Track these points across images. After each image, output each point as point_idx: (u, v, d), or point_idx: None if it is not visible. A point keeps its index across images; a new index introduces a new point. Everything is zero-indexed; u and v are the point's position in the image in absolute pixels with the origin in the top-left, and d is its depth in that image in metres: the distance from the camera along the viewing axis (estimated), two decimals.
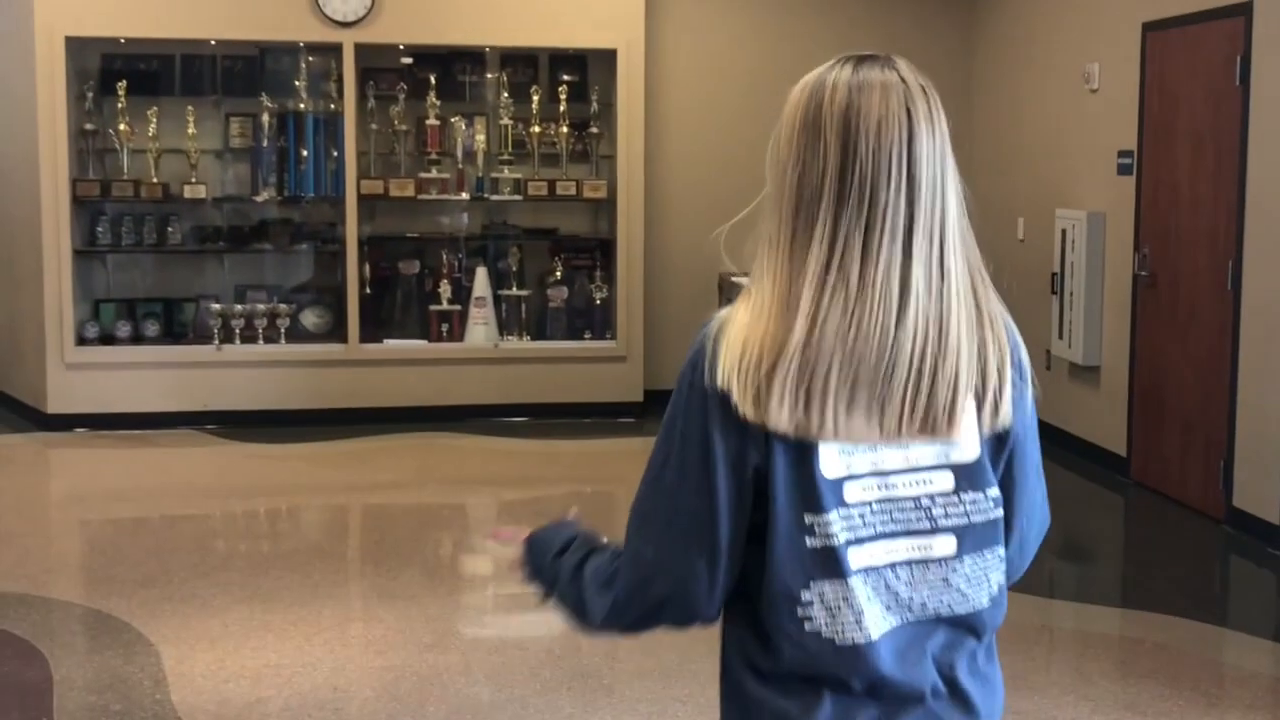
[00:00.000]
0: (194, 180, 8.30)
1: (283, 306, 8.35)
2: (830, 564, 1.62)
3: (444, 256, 8.59)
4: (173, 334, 8.47)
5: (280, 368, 8.27)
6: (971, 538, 1.71)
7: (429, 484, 7.26)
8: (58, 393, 8.09)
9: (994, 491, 1.71)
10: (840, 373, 1.60)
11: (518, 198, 8.50)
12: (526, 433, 8.15)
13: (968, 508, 1.70)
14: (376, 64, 8.49)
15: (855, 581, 1.63)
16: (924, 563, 1.69)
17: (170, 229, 8.37)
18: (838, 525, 1.62)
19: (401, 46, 8.52)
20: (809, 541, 1.62)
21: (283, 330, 8.32)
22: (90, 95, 8.23)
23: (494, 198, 8.50)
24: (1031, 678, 4.52)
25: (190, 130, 8.27)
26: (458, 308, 8.52)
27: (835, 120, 1.77)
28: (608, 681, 4.48)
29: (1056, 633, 5.15)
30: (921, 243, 1.72)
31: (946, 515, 1.69)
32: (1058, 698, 4.36)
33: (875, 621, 1.65)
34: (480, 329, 8.47)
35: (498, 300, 8.56)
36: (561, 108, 8.53)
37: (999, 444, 1.72)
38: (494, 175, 8.50)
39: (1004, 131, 8.65)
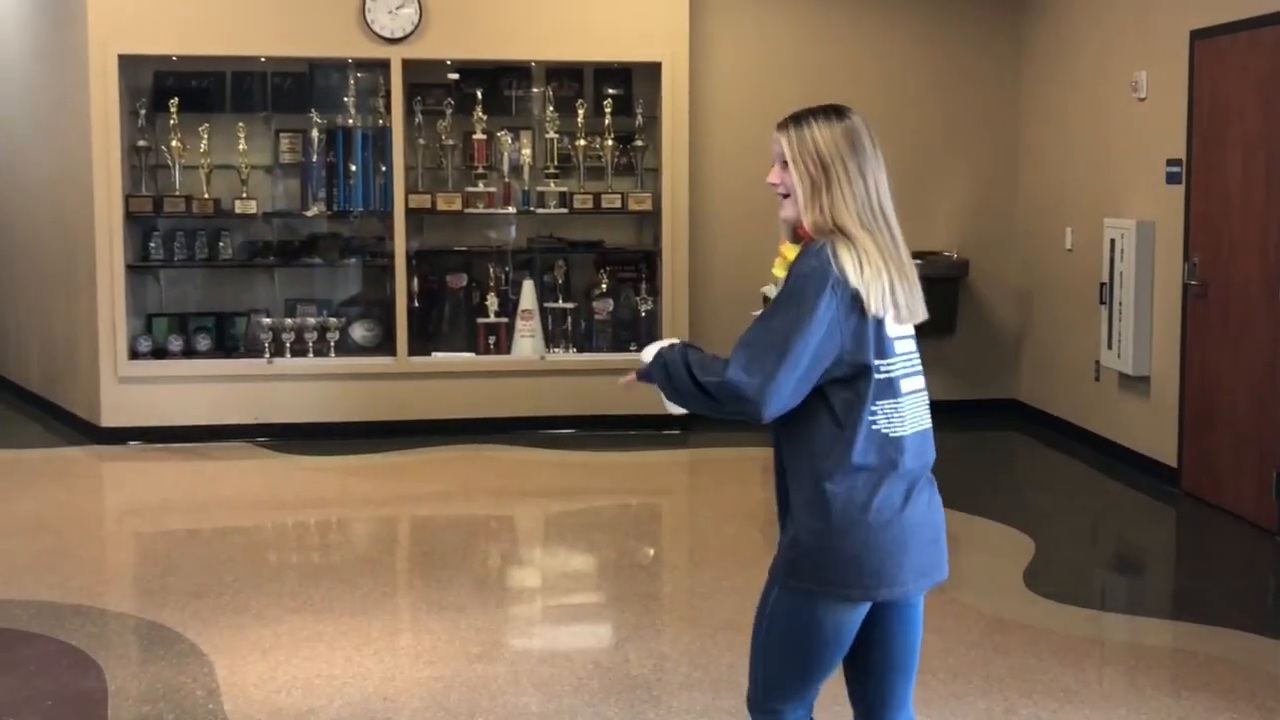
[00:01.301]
0: (245, 195, 8.40)
1: (332, 320, 8.43)
2: (889, 388, 2.78)
3: (491, 270, 8.64)
4: (224, 347, 8.56)
5: (330, 381, 8.34)
6: (924, 379, 2.90)
7: (477, 496, 7.30)
8: (112, 406, 8.19)
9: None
10: (896, 285, 2.77)
11: (563, 211, 8.54)
12: (573, 445, 8.17)
13: (918, 359, 2.89)
14: (424, 79, 8.56)
15: (902, 399, 2.81)
16: (918, 390, 2.87)
17: (222, 244, 8.46)
18: (891, 365, 2.78)
19: (448, 62, 8.59)
20: (881, 374, 2.76)
21: (332, 343, 8.40)
22: (143, 112, 8.34)
23: (540, 211, 8.55)
24: (1083, 691, 4.49)
25: (241, 146, 8.37)
26: (504, 320, 8.56)
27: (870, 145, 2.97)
28: (655, 692, 4.48)
29: (1108, 645, 5.12)
30: (892, 207, 2.86)
31: (917, 363, 2.89)
32: (1109, 711, 4.33)
33: (905, 425, 2.82)
34: (527, 341, 8.51)
35: (544, 313, 8.60)
36: (606, 121, 8.57)
37: None
38: (540, 189, 8.55)
39: (1052, 141, 8.61)
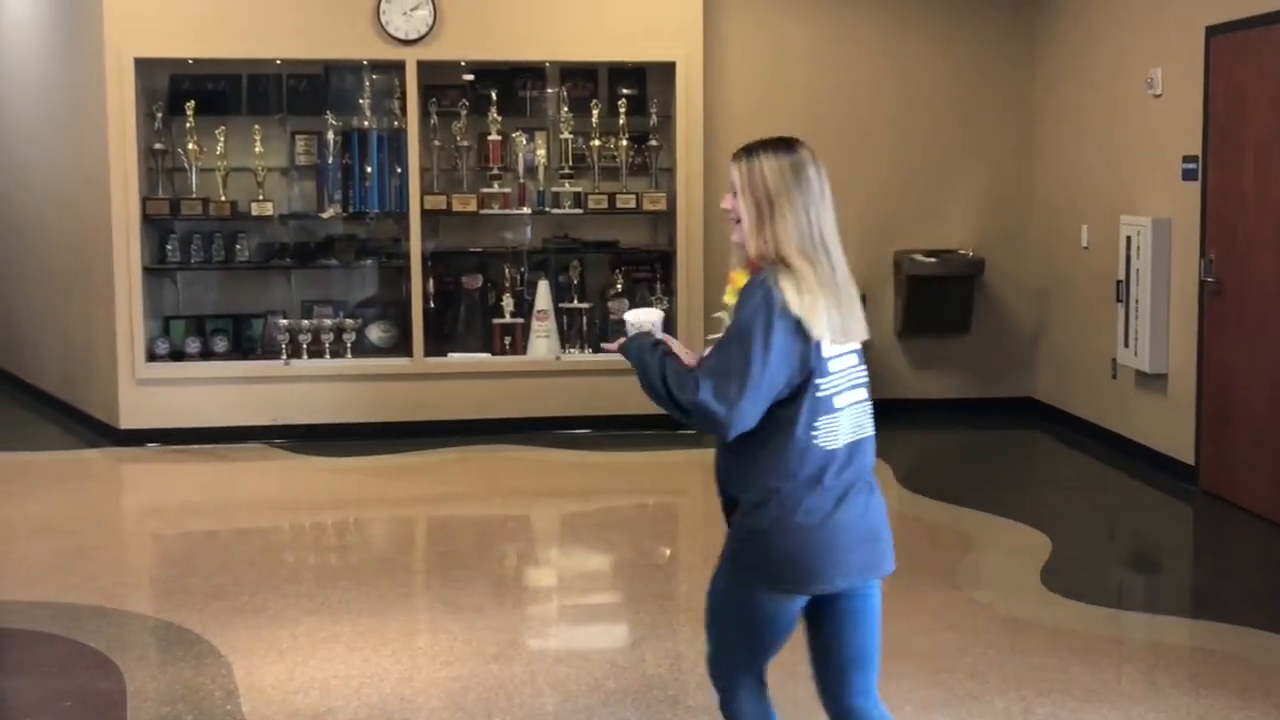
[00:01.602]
0: (261, 198, 8.42)
1: (349, 321, 8.45)
2: (826, 404, 3.00)
3: (506, 270, 8.65)
4: (241, 349, 8.59)
5: (346, 382, 8.37)
6: (866, 390, 3.10)
7: (493, 496, 7.31)
8: (130, 408, 8.23)
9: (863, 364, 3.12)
10: (833, 311, 3.00)
11: (578, 211, 8.55)
12: (588, 445, 8.18)
13: (862, 373, 3.10)
14: (438, 81, 8.58)
15: (839, 413, 3.02)
16: (858, 402, 3.07)
17: (238, 246, 8.50)
18: (828, 383, 3.00)
19: (463, 63, 8.61)
20: (819, 392, 2.99)
21: (349, 345, 8.42)
22: (159, 115, 8.38)
23: (555, 211, 8.56)
24: (1101, 690, 4.48)
25: (257, 149, 8.40)
26: (520, 321, 8.58)
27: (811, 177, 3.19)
28: (672, 692, 4.49)
29: (1126, 644, 5.10)
30: (835, 236, 3.13)
31: (859, 378, 3.09)
32: (1128, 710, 4.32)
33: (840, 437, 3.03)
34: (542, 342, 8.52)
35: (559, 313, 8.61)
36: (621, 121, 8.57)
37: None
38: (555, 189, 8.56)
39: (1066, 139, 8.59)
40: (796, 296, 2.94)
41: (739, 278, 3.10)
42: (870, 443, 3.11)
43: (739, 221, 3.10)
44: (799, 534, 3.00)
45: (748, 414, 2.94)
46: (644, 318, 3.22)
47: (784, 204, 3.05)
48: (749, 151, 3.12)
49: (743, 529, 3.09)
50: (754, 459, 3.03)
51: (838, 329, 3.00)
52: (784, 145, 3.14)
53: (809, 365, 2.96)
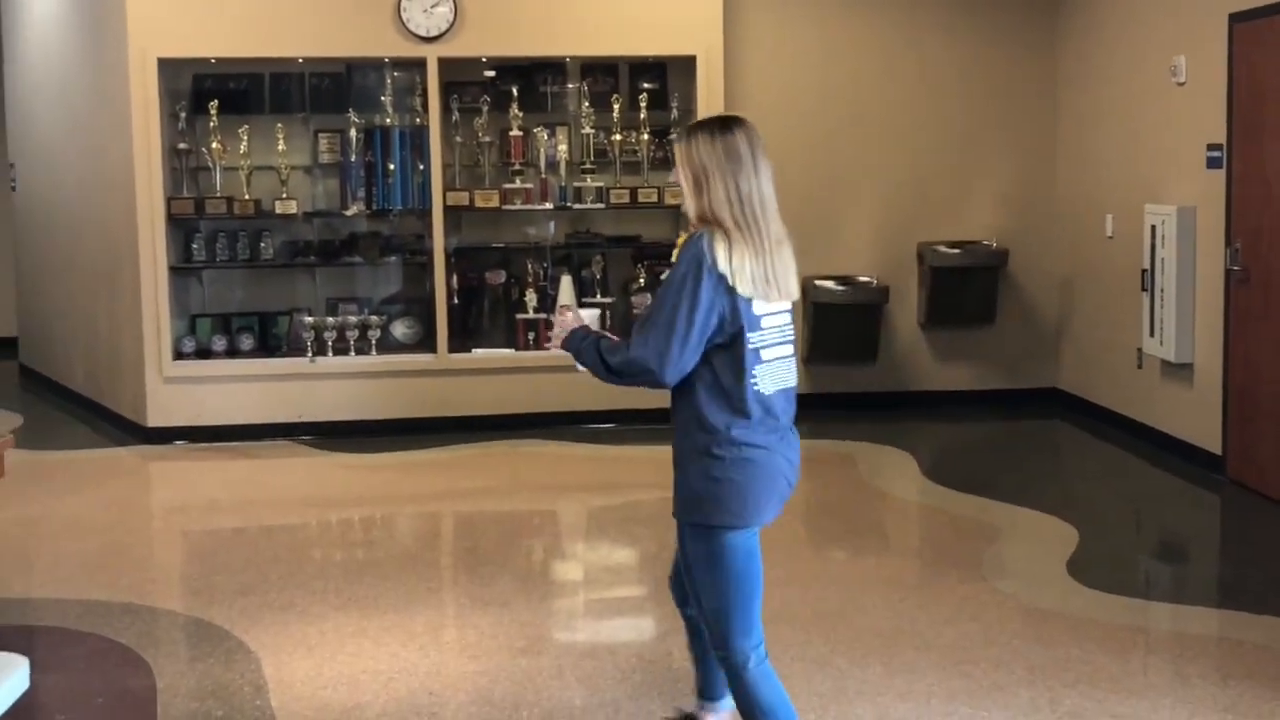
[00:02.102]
0: (285, 196, 8.46)
1: (373, 318, 8.48)
2: (756, 355, 3.38)
3: (529, 265, 8.67)
4: (267, 347, 8.64)
5: (371, 378, 8.40)
6: (793, 347, 3.50)
7: (518, 491, 7.34)
8: (157, 406, 8.28)
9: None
10: (760, 272, 3.36)
11: (600, 206, 8.56)
12: (612, 439, 8.20)
13: (791, 332, 3.49)
14: (459, 77, 8.60)
15: (769, 364, 3.41)
16: (784, 356, 3.46)
17: (263, 244, 8.54)
18: (759, 338, 3.38)
19: (484, 59, 8.63)
20: (750, 345, 3.36)
21: (374, 341, 8.46)
22: (183, 115, 8.42)
23: (577, 206, 8.57)
24: (1128, 680, 4.47)
25: (280, 147, 8.43)
26: (543, 316, 8.60)
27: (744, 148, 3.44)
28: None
29: (1153, 634, 5.09)
30: (771, 205, 3.45)
31: (788, 335, 3.49)
32: (1155, 700, 4.31)
33: (771, 385, 3.42)
34: None
35: (582, 308, 8.59)
36: (642, 115, 8.58)
37: None
38: (577, 184, 8.57)
39: (1090, 127, 8.55)
40: (725, 256, 3.30)
41: (683, 240, 3.49)
42: (793, 394, 3.54)
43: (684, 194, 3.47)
44: (751, 469, 3.38)
45: (676, 359, 3.29)
46: (584, 315, 3.65)
47: (715, 176, 3.37)
48: (689, 131, 3.48)
49: (693, 474, 3.38)
50: (697, 401, 3.37)
51: (763, 288, 3.35)
52: (720, 124, 3.45)
53: (739, 319, 3.32)
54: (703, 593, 3.43)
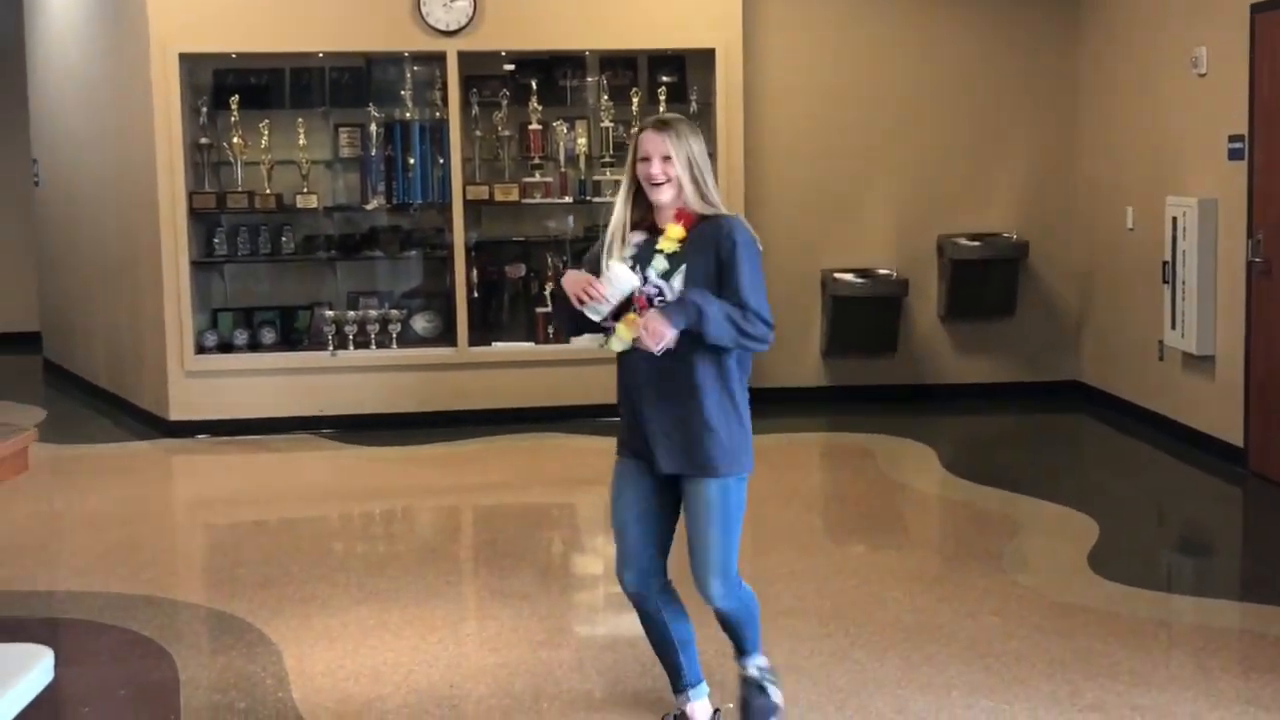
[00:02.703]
0: (306, 190, 8.49)
1: (394, 312, 8.51)
2: None
3: (549, 259, 8.68)
4: (289, 341, 8.67)
5: (392, 372, 8.43)
6: None
7: (538, 484, 7.35)
8: (179, 400, 8.32)
9: None
10: None
11: None
12: None
13: None
14: (479, 71, 8.61)
15: None
16: None
17: (284, 238, 8.57)
18: None
19: (503, 53, 8.63)
20: None
21: (394, 335, 8.48)
22: (204, 110, 8.45)
23: (596, 200, 8.57)
24: (1150, 674, 4.46)
25: (301, 141, 8.46)
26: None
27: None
28: (719, 678, 4.50)
29: (1175, 628, 5.07)
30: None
31: None
32: (1177, 693, 4.30)
33: None
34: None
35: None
36: (661, 109, 8.57)
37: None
38: (596, 178, 8.58)
39: (1111, 119, 8.52)
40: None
41: (674, 230, 3.70)
42: None
43: (666, 183, 3.68)
44: (750, 425, 3.83)
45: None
46: (629, 279, 3.65)
47: (705, 166, 3.72)
48: (674, 128, 3.71)
49: (721, 430, 3.71)
50: (724, 365, 3.72)
51: None
52: (690, 121, 3.79)
53: None
54: (726, 541, 3.74)
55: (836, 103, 8.89)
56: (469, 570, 5.99)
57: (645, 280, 3.67)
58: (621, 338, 3.66)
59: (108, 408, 9.26)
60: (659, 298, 3.65)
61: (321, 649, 4.79)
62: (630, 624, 4.51)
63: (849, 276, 8.76)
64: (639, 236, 3.74)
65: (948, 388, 9.04)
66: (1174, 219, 7.51)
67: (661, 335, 3.53)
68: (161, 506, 7.22)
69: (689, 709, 3.96)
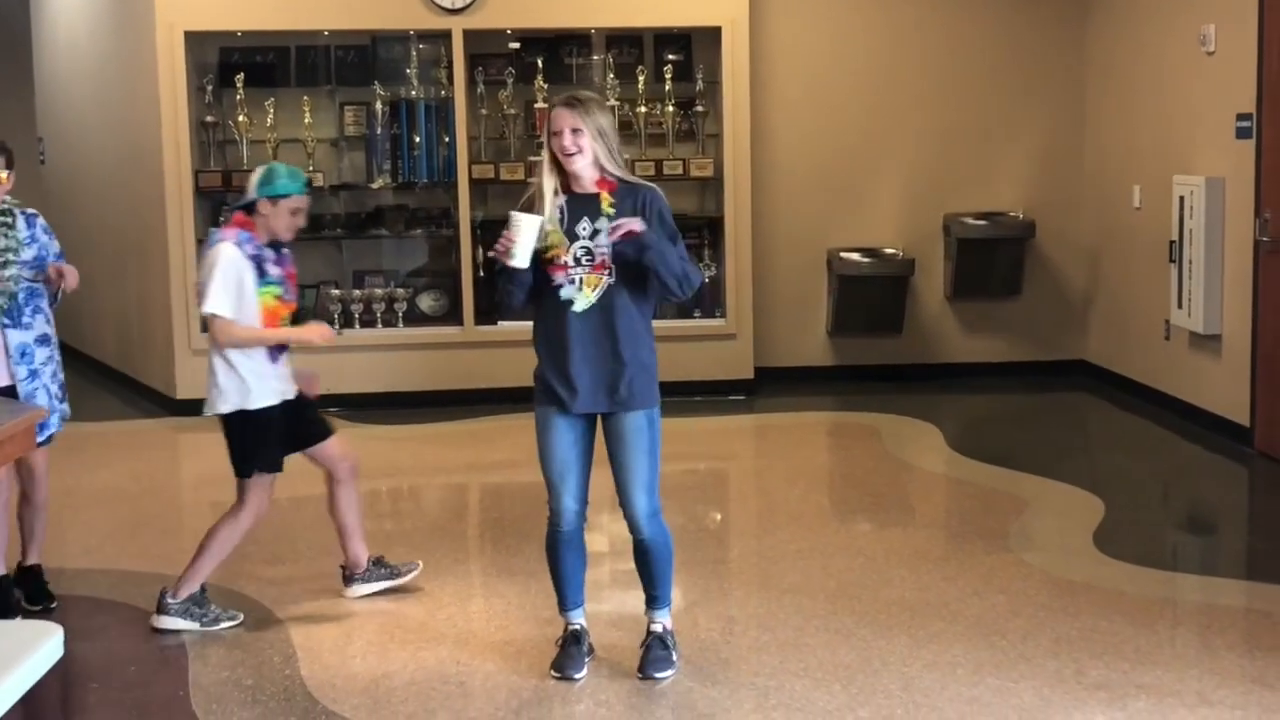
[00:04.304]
0: (311, 169, 8.47)
1: (400, 291, 8.51)
2: None
3: None
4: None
5: (398, 351, 8.43)
6: None
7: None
8: (186, 379, 8.32)
9: None
10: None
11: None
12: None
13: None
14: (484, 50, 8.59)
15: None
16: None
17: None
18: None
19: (509, 31, 8.61)
20: None
21: (400, 314, 8.49)
22: (209, 88, 8.45)
23: None
24: (1155, 652, 4.47)
25: (306, 120, 8.45)
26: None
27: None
28: (724, 655, 4.52)
29: (1180, 606, 5.08)
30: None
31: None
32: (1182, 672, 4.31)
33: None
34: None
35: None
36: (667, 87, 8.56)
37: None
38: None
39: (1118, 97, 8.49)
40: None
41: (606, 196, 4.14)
42: None
43: (578, 153, 4.06)
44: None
45: None
46: (531, 221, 4.07)
47: (615, 141, 4.15)
48: (580, 101, 4.09)
49: (649, 366, 4.22)
50: (649, 312, 4.24)
51: None
52: (600, 99, 4.22)
53: None
54: (651, 467, 4.24)
55: (843, 81, 8.87)
56: (475, 548, 6.00)
57: (576, 237, 4.13)
58: (587, 297, 4.15)
59: (115, 386, 9.27)
60: (586, 256, 4.12)
61: (329, 626, 4.81)
62: (635, 601, 4.54)
63: (855, 255, 8.75)
64: (561, 199, 4.16)
65: (954, 367, 9.04)
66: (1181, 198, 7.49)
67: (633, 229, 4.04)
68: (169, 484, 7.24)
69: (581, 621, 4.41)
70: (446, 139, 8.49)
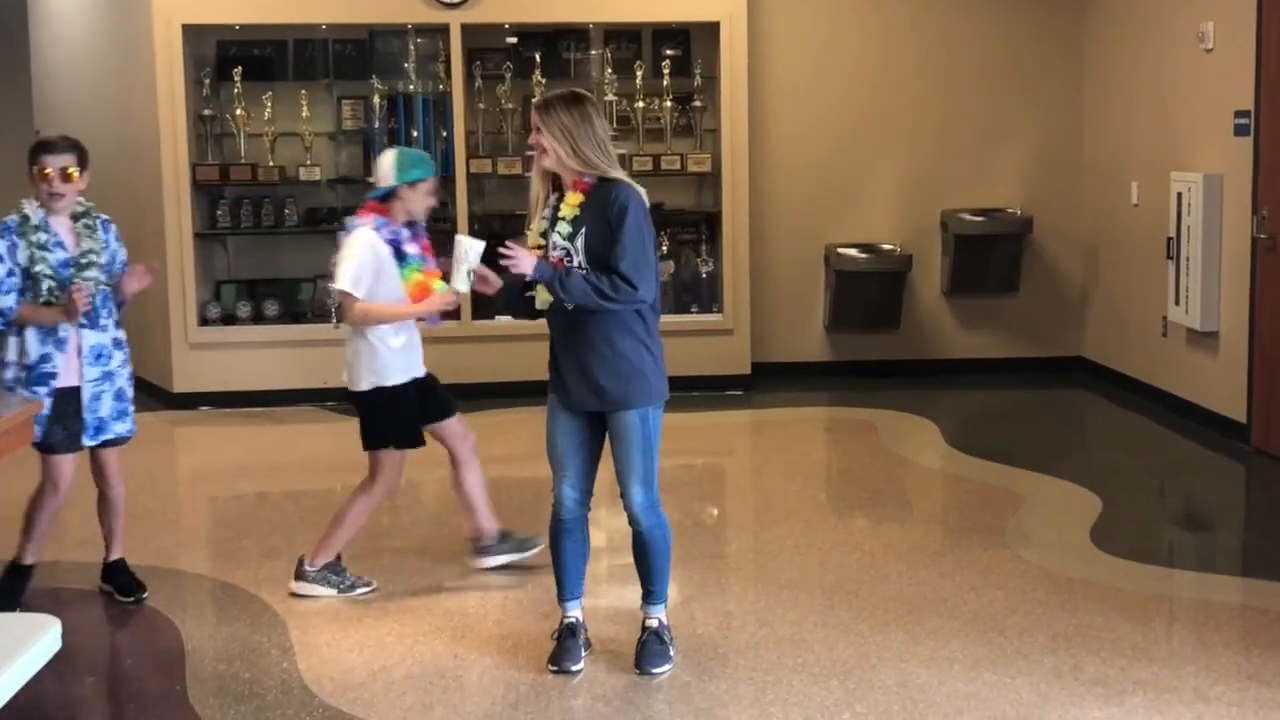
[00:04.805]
0: (309, 162, 8.48)
1: None
2: None
3: None
4: (292, 313, 8.67)
5: None
6: None
7: (541, 457, 7.30)
8: (183, 372, 8.33)
9: None
10: None
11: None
12: None
13: None
14: (482, 44, 8.59)
15: None
16: None
17: (287, 211, 8.56)
18: None
19: (507, 26, 8.61)
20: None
21: None
22: (207, 82, 8.44)
23: None
24: (1151, 648, 4.47)
25: (304, 113, 8.44)
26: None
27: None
28: (722, 650, 4.53)
29: (1177, 603, 5.09)
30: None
31: None
32: (1179, 667, 4.31)
33: None
34: None
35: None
36: (665, 82, 8.55)
37: None
38: None
39: (1116, 94, 8.49)
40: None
41: (571, 197, 4.14)
42: None
43: (542, 152, 4.12)
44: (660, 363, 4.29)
45: (655, 280, 4.15)
46: (479, 246, 4.22)
47: (586, 135, 4.11)
48: (545, 102, 4.16)
49: (644, 363, 4.19)
50: (627, 320, 4.15)
51: None
52: (574, 97, 4.17)
53: None
54: (645, 463, 4.27)
55: (841, 77, 8.87)
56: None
57: (553, 244, 4.19)
58: (541, 297, 4.21)
59: None
60: (567, 257, 4.13)
61: (326, 620, 4.81)
62: (633, 597, 4.54)
63: (852, 251, 8.75)
64: (552, 201, 4.22)
65: (951, 363, 9.04)
66: (1179, 195, 7.50)
67: (521, 268, 4.09)
68: (166, 478, 7.23)
69: (578, 614, 4.41)
70: (444, 133, 8.49)
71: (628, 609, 4.72)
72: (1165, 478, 6.91)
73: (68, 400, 4.79)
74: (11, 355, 4.80)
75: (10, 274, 4.74)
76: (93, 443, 4.91)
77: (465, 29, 8.31)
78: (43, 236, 4.79)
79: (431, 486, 6.97)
